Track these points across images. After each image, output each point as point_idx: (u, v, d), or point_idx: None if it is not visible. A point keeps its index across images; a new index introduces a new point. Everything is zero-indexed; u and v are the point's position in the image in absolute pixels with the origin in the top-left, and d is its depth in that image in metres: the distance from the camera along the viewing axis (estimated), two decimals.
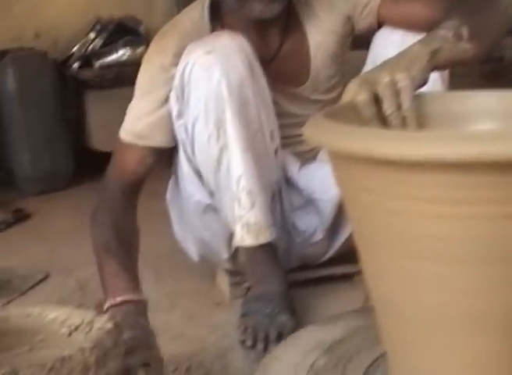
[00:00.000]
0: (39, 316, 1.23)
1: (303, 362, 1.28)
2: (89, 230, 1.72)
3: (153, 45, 1.80)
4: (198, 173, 1.74)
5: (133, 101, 1.79)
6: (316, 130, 1.08)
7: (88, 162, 3.50)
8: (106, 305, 1.52)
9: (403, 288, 1.06)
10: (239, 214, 1.65)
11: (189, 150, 1.72)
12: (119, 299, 1.50)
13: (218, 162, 1.65)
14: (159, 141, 1.75)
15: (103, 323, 1.13)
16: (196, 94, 1.63)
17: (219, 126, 1.62)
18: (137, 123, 1.75)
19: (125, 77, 3.23)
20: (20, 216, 2.99)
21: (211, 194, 1.74)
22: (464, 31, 1.26)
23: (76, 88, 3.49)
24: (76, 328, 1.18)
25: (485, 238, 0.95)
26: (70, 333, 1.19)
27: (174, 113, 1.70)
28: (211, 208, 1.76)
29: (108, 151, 3.49)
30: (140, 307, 1.52)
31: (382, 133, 1.00)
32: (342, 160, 1.06)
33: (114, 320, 1.13)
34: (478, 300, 0.99)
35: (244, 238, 1.65)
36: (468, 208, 0.94)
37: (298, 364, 1.28)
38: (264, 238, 1.66)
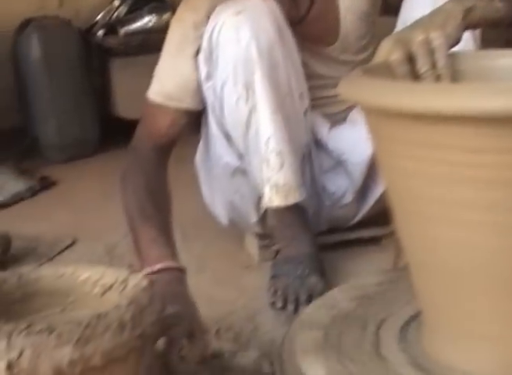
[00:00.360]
0: (71, 276, 1.22)
1: (335, 322, 1.27)
2: (120, 194, 1.68)
3: (184, 4, 1.77)
4: (227, 136, 1.73)
5: (161, 61, 1.77)
6: (351, 87, 1.07)
7: (114, 130, 3.51)
8: (143, 273, 1.50)
9: (435, 251, 1.05)
10: (267, 175, 1.64)
11: (218, 112, 1.71)
12: (157, 267, 1.45)
13: (247, 123, 1.63)
14: (189, 103, 1.73)
15: (138, 280, 1.12)
16: (224, 56, 1.61)
17: (248, 87, 1.60)
18: (167, 84, 1.73)
19: (150, 44, 3.22)
20: (46, 184, 3.00)
21: (240, 156, 1.73)
22: None
23: (101, 56, 3.48)
24: (110, 287, 1.18)
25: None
26: (103, 293, 1.19)
27: (202, 75, 1.69)
28: (240, 171, 1.75)
29: (133, 119, 3.50)
30: (180, 275, 1.48)
31: (417, 86, 0.99)
32: (376, 116, 1.05)
33: (149, 278, 1.12)
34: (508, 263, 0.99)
35: (273, 199, 1.64)
36: (494, 157, 0.94)
37: (329, 324, 1.27)
38: (293, 199, 1.65)
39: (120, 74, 3.46)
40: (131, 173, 1.68)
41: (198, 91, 1.72)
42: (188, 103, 1.74)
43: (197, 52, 1.69)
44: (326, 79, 1.75)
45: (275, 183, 1.63)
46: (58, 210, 2.67)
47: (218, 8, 1.64)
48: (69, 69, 3.32)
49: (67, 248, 2.24)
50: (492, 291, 1.03)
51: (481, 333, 1.07)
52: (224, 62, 1.62)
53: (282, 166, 1.62)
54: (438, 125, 0.94)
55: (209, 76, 1.68)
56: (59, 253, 2.20)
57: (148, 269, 1.44)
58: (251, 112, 1.62)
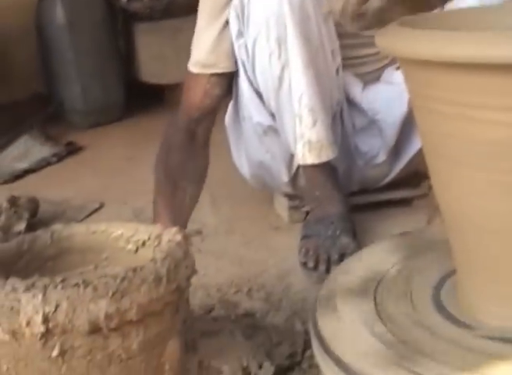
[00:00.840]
0: (103, 233, 1.21)
1: (371, 275, 1.26)
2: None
3: None
4: (259, 95, 1.71)
5: (196, 31, 1.74)
6: (388, 38, 1.05)
7: (138, 95, 3.50)
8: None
9: (471, 198, 1.03)
10: (300, 132, 1.62)
11: (249, 70, 1.69)
12: None
13: (280, 80, 1.61)
14: (224, 66, 1.71)
15: (172, 235, 1.12)
16: (256, 12, 1.59)
17: (280, 43, 1.58)
18: (202, 52, 1.70)
19: (174, 9, 3.21)
20: (72, 149, 3.01)
21: (272, 115, 1.71)
22: None
23: (126, 20, 3.47)
24: (143, 244, 1.17)
25: None
26: (137, 250, 1.19)
27: (234, 33, 1.66)
28: (272, 130, 1.73)
29: (158, 83, 3.53)
30: None
31: (456, 35, 0.96)
32: (413, 65, 1.03)
33: (183, 233, 1.11)
34: None
35: (306, 157, 1.63)
36: None
37: (367, 277, 1.27)
38: (326, 156, 1.63)
39: (145, 39, 3.44)
40: (161, 150, 1.74)
41: (231, 51, 1.70)
42: (223, 67, 1.71)
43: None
44: (358, 38, 1.72)
45: (308, 139, 1.62)
46: (85, 175, 2.67)
47: None
48: (94, 34, 3.31)
49: (94, 211, 2.24)
50: None
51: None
52: (256, 19, 1.60)
53: (314, 122, 1.60)
54: (475, 72, 0.92)
55: (240, 34, 1.65)
56: (87, 217, 2.20)
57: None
58: (284, 67, 1.60)
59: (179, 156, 1.68)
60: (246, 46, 1.64)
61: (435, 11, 1.24)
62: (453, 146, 1.02)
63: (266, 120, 1.73)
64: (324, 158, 1.63)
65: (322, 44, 1.62)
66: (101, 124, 3.37)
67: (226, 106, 1.92)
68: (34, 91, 3.53)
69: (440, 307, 1.15)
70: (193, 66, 1.72)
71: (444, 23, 1.12)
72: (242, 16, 1.62)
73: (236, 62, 1.72)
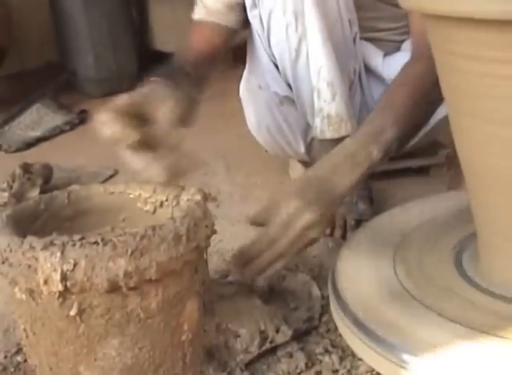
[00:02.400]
0: (121, 194, 1.20)
1: (392, 236, 1.26)
2: None
3: None
4: (275, 65, 1.68)
5: None
6: None
7: (151, 63, 3.47)
8: None
9: (495, 153, 1.02)
10: (319, 106, 1.59)
11: (265, 42, 1.65)
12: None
13: (297, 52, 1.57)
14: (228, 20, 1.67)
15: (191, 194, 1.10)
16: None
17: (297, 15, 1.53)
18: (208, 1, 1.67)
19: None
20: (85, 117, 2.98)
21: (289, 86, 1.68)
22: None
23: None
24: (161, 204, 1.16)
25: None
26: (155, 211, 1.17)
27: (248, 3, 1.62)
28: (289, 100, 1.70)
29: (171, 52, 3.49)
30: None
31: None
32: (435, 21, 1.01)
33: (202, 192, 1.10)
34: None
35: (325, 131, 1.59)
36: None
37: (388, 237, 1.26)
38: (345, 131, 1.59)
39: (158, 7, 3.42)
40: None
41: (239, 9, 1.67)
42: (227, 21, 1.67)
43: None
44: (377, 11, 1.68)
45: (328, 114, 1.58)
46: (98, 143, 2.64)
47: None
48: (107, 3, 3.28)
49: (109, 178, 2.23)
50: None
51: None
52: None
53: (333, 97, 1.57)
54: (493, 28, 0.91)
55: (254, 5, 1.61)
56: (101, 183, 2.18)
57: None
58: (301, 39, 1.56)
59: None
60: (260, 17, 1.60)
61: None
62: (476, 102, 1.01)
63: (283, 90, 1.70)
64: (343, 133, 1.59)
65: (340, 14, 1.58)
66: (114, 93, 3.28)
67: (236, 79, 1.90)
68: (47, 60, 3.52)
69: (460, 269, 1.15)
70: (197, 14, 1.69)
71: None
72: None
73: (241, 24, 1.69)
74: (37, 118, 2.93)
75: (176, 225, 0.99)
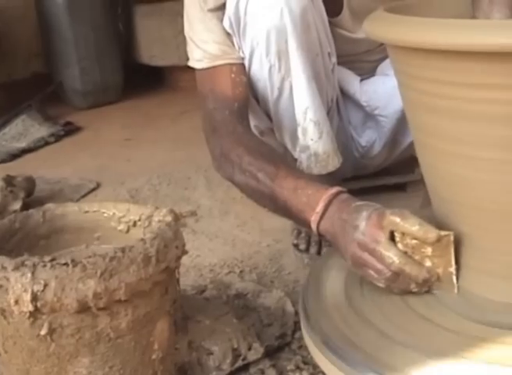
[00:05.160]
0: (96, 213, 1.21)
1: None
2: (227, 179, 1.52)
3: None
4: (254, 98, 1.64)
5: (191, 28, 1.60)
6: (375, 24, 1.05)
7: (137, 77, 3.50)
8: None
9: (454, 176, 1.04)
10: (305, 143, 1.57)
11: None
12: (333, 191, 1.25)
13: (280, 90, 1.56)
14: (236, 56, 1.57)
15: (162, 215, 1.11)
16: (255, 25, 1.50)
17: (281, 56, 1.51)
18: (207, 47, 1.57)
19: None
20: (70, 129, 3.00)
21: (269, 117, 1.66)
22: None
23: (126, 2, 3.46)
24: (134, 224, 1.17)
25: None
26: (128, 230, 1.18)
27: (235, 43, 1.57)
28: (270, 130, 1.69)
29: (156, 66, 3.52)
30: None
31: (437, 22, 0.95)
32: (395, 50, 1.03)
33: (173, 213, 1.10)
34: None
35: (312, 167, 1.57)
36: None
37: None
38: (332, 167, 1.58)
39: (144, 21, 3.44)
40: (230, 153, 1.46)
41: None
42: (235, 57, 1.57)
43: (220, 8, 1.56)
44: (351, 40, 1.68)
45: (315, 152, 1.56)
46: (82, 155, 2.66)
47: None
48: (94, 16, 3.30)
49: (91, 191, 2.24)
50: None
51: (489, 268, 1.08)
52: (254, 31, 1.51)
53: (321, 135, 1.55)
54: (448, 60, 0.93)
55: (237, 45, 1.56)
56: (83, 196, 2.19)
57: (325, 198, 1.24)
58: (284, 78, 1.54)
59: (250, 145, 1.46)
60: (243, 54, 1.56)
61: None
62: (437, 124, 1.02)
63: (263, 123, 1.69)
64: (330, 169, 1.58)
65: (321, 48, 1.56)
66: (100, 105, 3.36)
67: None
68: (34, 72, 3.53)
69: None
70: (202, 62, 1.58)
71: (427, 10, 1.13)
72: (237, 27, 1.53)
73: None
74: (23, 129, 2.94)
75: (146, 246, 0.99)
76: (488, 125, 0.95)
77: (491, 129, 0.95)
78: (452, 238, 1.07)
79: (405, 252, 1.09)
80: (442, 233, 1.07)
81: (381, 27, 1.04)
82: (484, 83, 0.93)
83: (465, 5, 1.14)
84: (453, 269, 1.09)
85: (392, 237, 1.10)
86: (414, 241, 1.08)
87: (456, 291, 1.10)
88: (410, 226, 1.07)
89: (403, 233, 1.09)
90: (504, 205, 1.00)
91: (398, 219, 1.08)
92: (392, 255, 1.08)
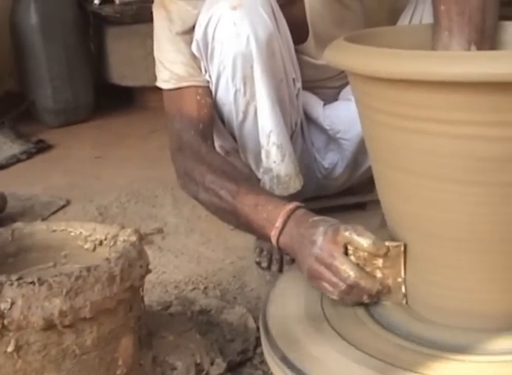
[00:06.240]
0: (63, 232, 1.21)
1: None
2: (191, 196, 1.53)
3: None
4: (220, 119, 1.65)
5: (160, 49, 1.62)
6: (335, 52, 1.06)
7: (107, 96, 3.49)
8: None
9: (408, 203, 1.05)
10: (268, 166, 1.58)
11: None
12: (291, 207, 1.28)
13: (245, 113, 1.57)
14: (202, 79, 1.58)
15: (127, 235, 1.11)
16: (222, 51, 1.51)
17: (246, 81, 1.52)
18: (174, 68, 1.58)
19: (144, 14, 3.17)
20: (42, 147, 2.98)
21: (234, 138, 1.66)
22: None
23: (97, 24, 3.46)
24: (101, 243, 1.17)
25: (484, 159, 0.93)
26: (95, 248, 1.18)
27: (202, 67, 1.58)
28: (234, 151, 1.70)
29: (126, 86, 3.52)
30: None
31: (389, 52, 0.97)
32: (357, 78, 1.04)
33: (138, 233, 1.11)
34: (479, 217, 0.99)
35: (274, 189, 1.58)
36: (468, 129, 0.92)
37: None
38: (293, 189, 1.60)
39: (115, 42, 3.44)
40: (194, 172, 1.48)
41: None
42: (201, 80, 1.58)
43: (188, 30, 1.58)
44: (317, 68, 1.70)
45: (277, 174, 1.58)
46: (53, 172, 2.65)
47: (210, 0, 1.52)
48: (66, 36, 3.29)
49: (61, 208, 2.22)
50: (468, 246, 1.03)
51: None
52: (220, 56, 1.52)
53: (283, 158, 1.57)
54: (400, 90, 0.95)
55: (205, 69, 1.57)
56: (53, 213, 2.18)
57: (283, 214, 1.27)
58: (249, 102, 1.56)
59: (213, 164, 1.47)
60: (210, 78, 1.57)
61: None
62: (393, 154, 1.03)
63: (228, 144, 1.70)
64: (291, 191, 1.60)
65: (286, 74, 1.59)
66: (71, 123, 3.35)
67: None
68: (7, 90, 3.50)
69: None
70: (169, 83, 1.59)
71: (386, 39, 1.15)
72: (205, 51, 1.54)
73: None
74: None
75: (111, 266, 1.00)
76: (437, 158, 0.97)
77: (439, 161, 0.97)
78: (402, 249, 1.10)
79: (357, 264, 1.13)
80: (393, 244, 1.11)
81: (339, 55, 1.05)
82: (431, 116, 0.94)
83: (421, 37, 1.17)
84: (402, 279, 1.12)
85: (346, 251, 1.13)
86: (366, 254, 1.12)
87: (404, 301, 1.13)
88: (363, 241, 1.11)
89: (355, 247, 1.12)
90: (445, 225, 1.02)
91: (351, 235, 1.12)
92: (348, 270, 1.11)
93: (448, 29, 1.09)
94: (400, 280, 1.12)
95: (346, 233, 1.12)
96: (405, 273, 1.12)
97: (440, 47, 1.10)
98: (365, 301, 1.14)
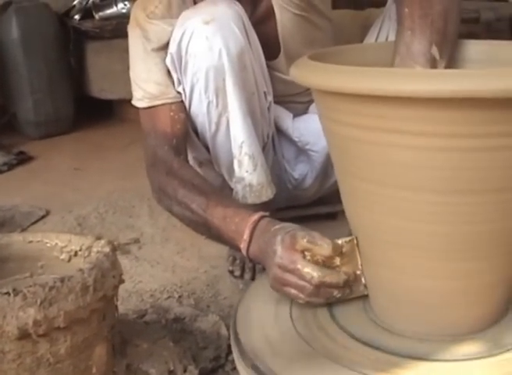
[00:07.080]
0: (39, 243, 1.21)
1: None
2: (166, 210, 1.55)
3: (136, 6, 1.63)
4: (193, 130, 1.65)
5: (133, 68, 1.62)
6: (299, 69, 1.08)
7: (87, 109, 3.49)
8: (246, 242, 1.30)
9: (371, 212, 1.06)
10: (240, 175, 1.58)
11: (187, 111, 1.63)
12: (255, 218, 1.30)
13: (217, 125, 1.58)
14: (174, 95, 1.59)
15: (101, 246, 1.11)
16: (195, 64, 1.52)
17: (218, 93, 1.54)
18: (147, 86, 1.59)
19: (123, 29, 3.14)
20: (23, 158, 2.98)
21: (207, 149, 1.67)
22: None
23: (77, 39, 3.45)
24: (76, 254, 1.17)
25: (448, 169, 0.95)
26: (70, 259, 1.18)
27: (175, 79, 1.58)
28: (207, 162, 1.71)
29: (106, 99, 3.52)
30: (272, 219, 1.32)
31: (358, 70, 0.98)
32: (319, 93, 1.06)
33: (111, 244, 1.11)
34: (440, 226, 1.00)
35: (247, 197, 1.58)
36: (434, 140, 0.93)
37: None
38: (265, 197, 1.60)
39: (95, 56, 3.43)
40: (167, 187, 1.50)
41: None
42: (173, 96, 1.59)
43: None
44: (287, 83, 1.71)
45: (249, 183, 1.59)
46: (34, 183, 2.64)
47: (184, 14, 1.53)
48: (46, 51, 3.29)
49: (40, 219, 2.22)
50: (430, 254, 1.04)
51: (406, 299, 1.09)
52: (194, 69, 1.53)
53: (255, 167, 1.58)
54: (361, 105, 0.96)
55: (179, 81, 1.58)
56: (33, 224, 2.18)
57: (249, 225, 1.29)
58: (221, 114, 1.57)
59: (185, 180, 1.48)
60: (183, 91, 1.58)
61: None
62: (355, 165, 1.04)
63: (202, 155, 1.70)
64: (264, 199, 1.60)
65: (257, 87, 1.60)
66: (52, 135, 3.34)
67: None
68: None
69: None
70: (142, 101, 1.60)
71: (352, 57, 1.16)
72: (179, 64, 1.55)
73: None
74: None
75: (84, 276, 1.00)
76: (396, 167, 0.98)
77: (397, 170, 0.98)
78: (355, 242, 1.14)
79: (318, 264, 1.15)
80: (346, 239, 1.14)
81: (303, 73, 1.07)
82: (386, 127, 0.96)
83: (386, 54, 1.18)
84: (360, 271, 1.15)
85: (304, 255, 1.15)
86: (323, 257, 1.14)
87: (366, 292, 1.16)
88: (319, 247, 1.14)
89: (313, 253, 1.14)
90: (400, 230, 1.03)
91: (307, 243, 1.14)
92: (310, 271, 1.13)
93: (410, 29, 1.10)
94: (358, 272, 1.15)
95: (304, 242, 1.15)
96: (361, 265, 1.14)
97: (402, 46, 1.11)
98: (337, 295, 1.15)
